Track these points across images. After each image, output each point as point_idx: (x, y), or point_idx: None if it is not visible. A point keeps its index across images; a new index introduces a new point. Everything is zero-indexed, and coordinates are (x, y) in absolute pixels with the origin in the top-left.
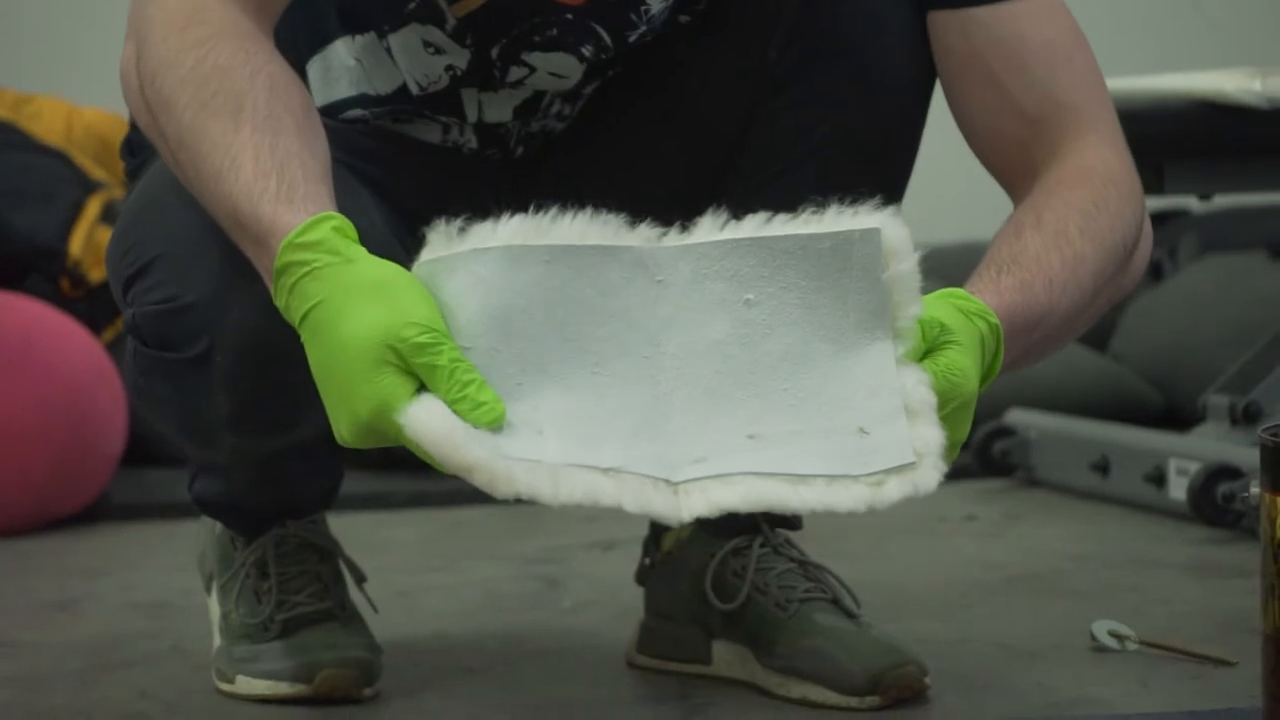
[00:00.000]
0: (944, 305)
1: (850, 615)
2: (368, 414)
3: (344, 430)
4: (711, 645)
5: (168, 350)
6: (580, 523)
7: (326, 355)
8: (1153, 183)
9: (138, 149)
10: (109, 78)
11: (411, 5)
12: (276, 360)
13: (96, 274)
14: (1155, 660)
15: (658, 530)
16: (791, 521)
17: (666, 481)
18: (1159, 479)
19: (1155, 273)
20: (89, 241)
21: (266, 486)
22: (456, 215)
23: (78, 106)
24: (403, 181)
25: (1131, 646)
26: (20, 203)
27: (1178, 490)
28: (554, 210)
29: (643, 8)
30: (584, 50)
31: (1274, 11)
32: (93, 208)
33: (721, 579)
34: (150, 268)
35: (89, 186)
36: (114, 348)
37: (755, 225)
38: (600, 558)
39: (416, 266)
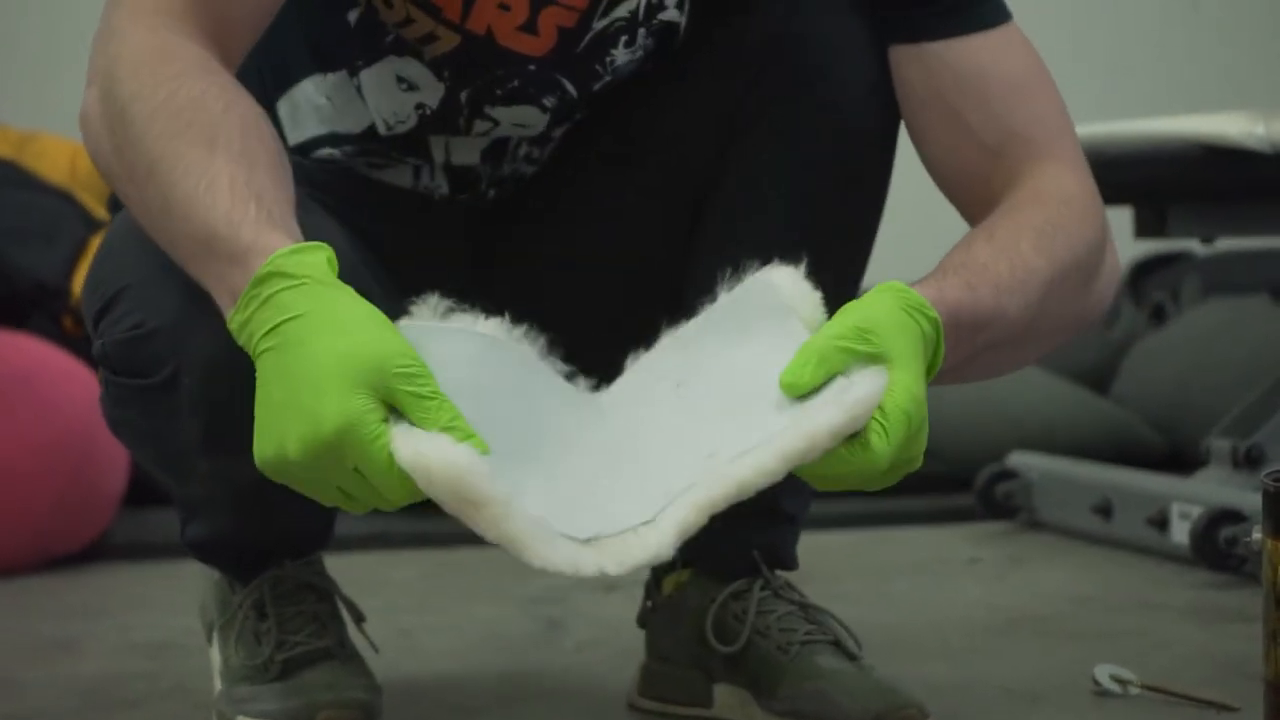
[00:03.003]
0: (884, 300)
1: (851, 657)
2: (333, 430)
3: (291, 446)
4: (713, 688)
5: (136, 377)
6: None
7: (295, 364)
8: (1155, 226)
9: (118, 203)
10: None
11: (389, 38)
12: (244, 380)
13: None
14: (1157, 704)
15: (659, 573)
16: (789, 561)
17: (643, 524)
18: (1161, 522)
19: (1158, 315)
20: None
21: (252, 522)
22: (428, 260)
23: (81, 145)
24: (375, 225)
25: (1134, 690)
26: (24, 241)
27: (1180, 534)
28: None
29: (607, 59)
30: (546, 101)
31: (1273, 11)
32: (95, 246)
33: (722, 622)
34: (118, 298)
35: (92, 225)
36: None
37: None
38: (602, 599)
39: (402, 325)
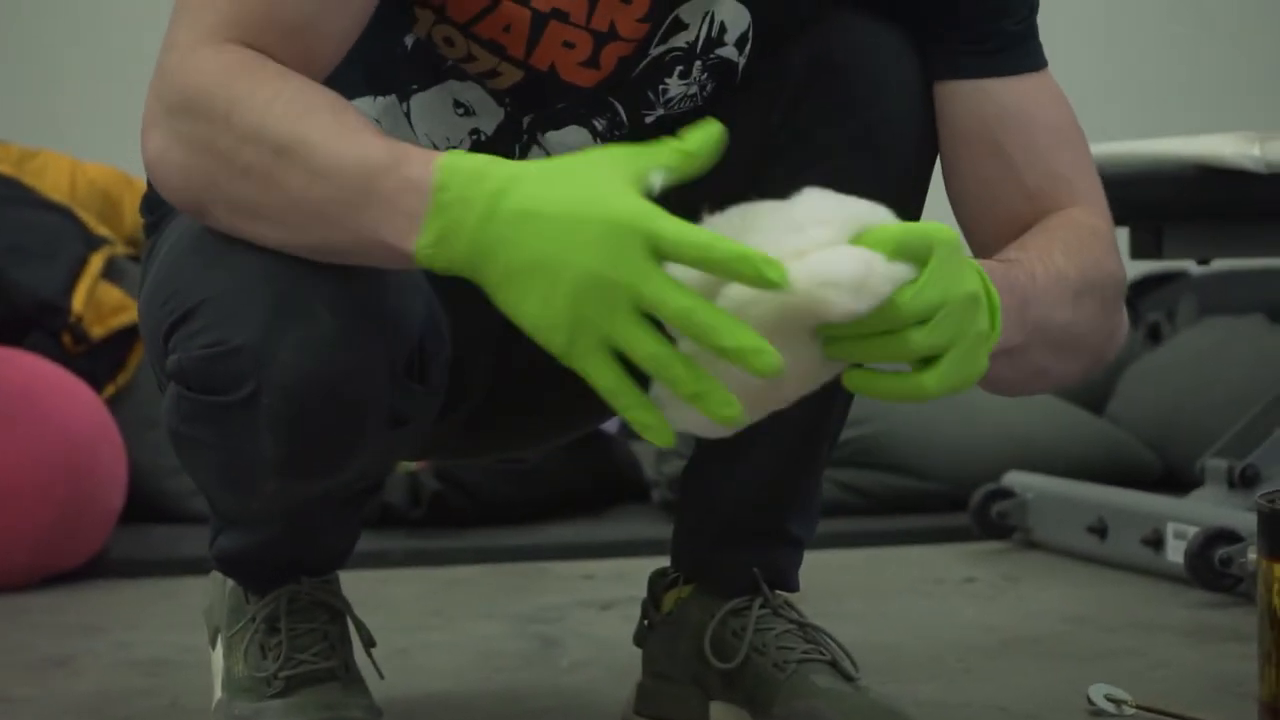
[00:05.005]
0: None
1: (848, 678)
2: (629, 213)
3: (570, 278)
4: (709, 706)
5: (213, 394)
6: (578, 581)
7: (568, 176)
8: (1151, 246)
9: (156, 205)
10: (113, 133)
11: (449, 63)
12: (325, 401)
13: (99, 330)
14: None
15: (656, 592)
16: (790, 583)
17: None
18: (1157, 542)
19: (1153, 335)
20: (91, 297)
21: (293, 540)
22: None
23: (82, 162)
24: None
25: (1129, 711)
26: (24, 259)
27: (1175, 554)
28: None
29: (660, 87)
30: (597, 124)
31: (1269, 33)
32: (95, 264)
33: (720, 639)
34: (195, 313)
35: (92, 243)
36: (115, 403)
37: None
38: (597, 617)
39: None
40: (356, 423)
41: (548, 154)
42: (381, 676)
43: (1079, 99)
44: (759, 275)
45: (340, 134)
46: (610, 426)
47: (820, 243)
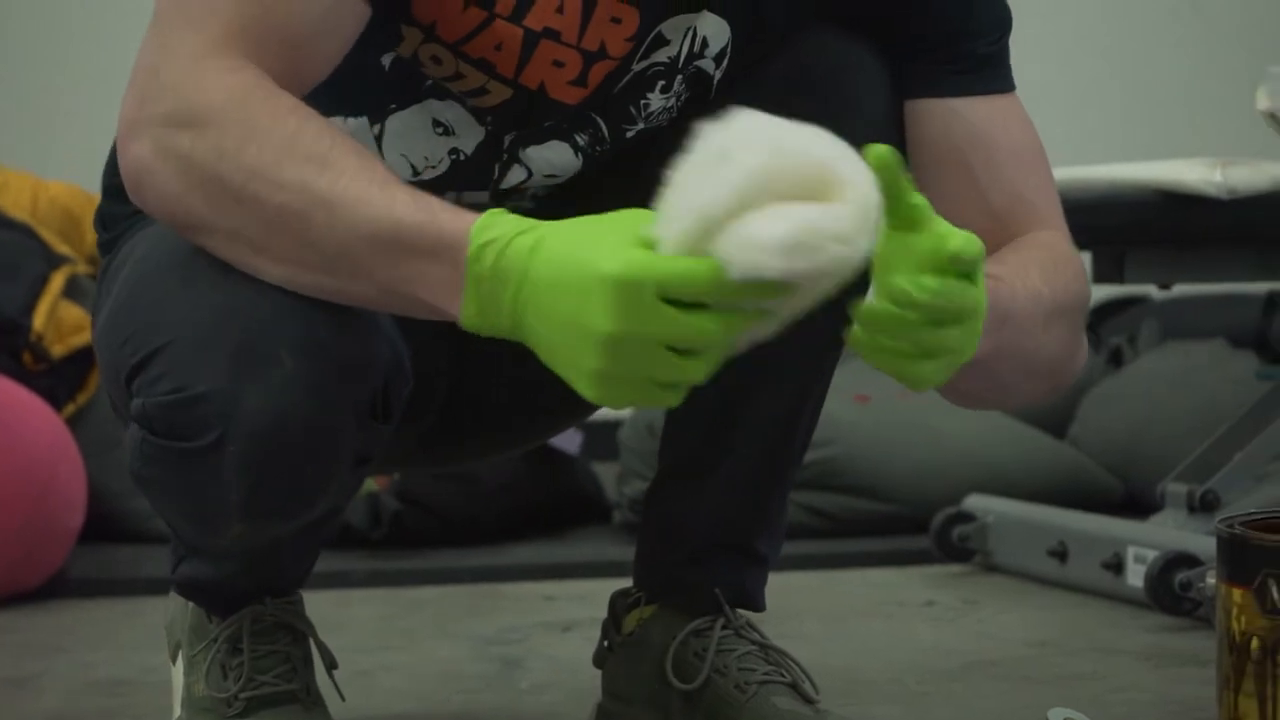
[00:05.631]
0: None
1: (808, 700)
2: (623, 265)
3: (601, 322)
4: None
5: (177, 440)
6: (538, 602)
7: (561, 267)
8: (1113, 271)
9: (111, 222)
10: (75, 151)
11: (428, 82)
12: (291, 447)
13: (59, 348)
14: None
15: (617, 612)
16: (757, 602)
17: None
18: (1117, 566)
19: (1115, 359)
20: (52, 316)
21: (258, 570)
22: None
23: (44, 180)
24: None
25: None
26: None
27: (1135, 578)
28: None
29: (642, 102)
30: (579, 139)
31: (1230, 59)
32: (57, 282)
33: (682, 660)
34: (156, 358)
35: (53, 261)
36: (75, 423)
37: None
38: (559, 638)
39: None
40: (323, 467)
41: (529, 170)
42: (343, 699)
43: (1041, 123)
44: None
45: (369, 184)
46: (572, 448)
47: (748, 169)
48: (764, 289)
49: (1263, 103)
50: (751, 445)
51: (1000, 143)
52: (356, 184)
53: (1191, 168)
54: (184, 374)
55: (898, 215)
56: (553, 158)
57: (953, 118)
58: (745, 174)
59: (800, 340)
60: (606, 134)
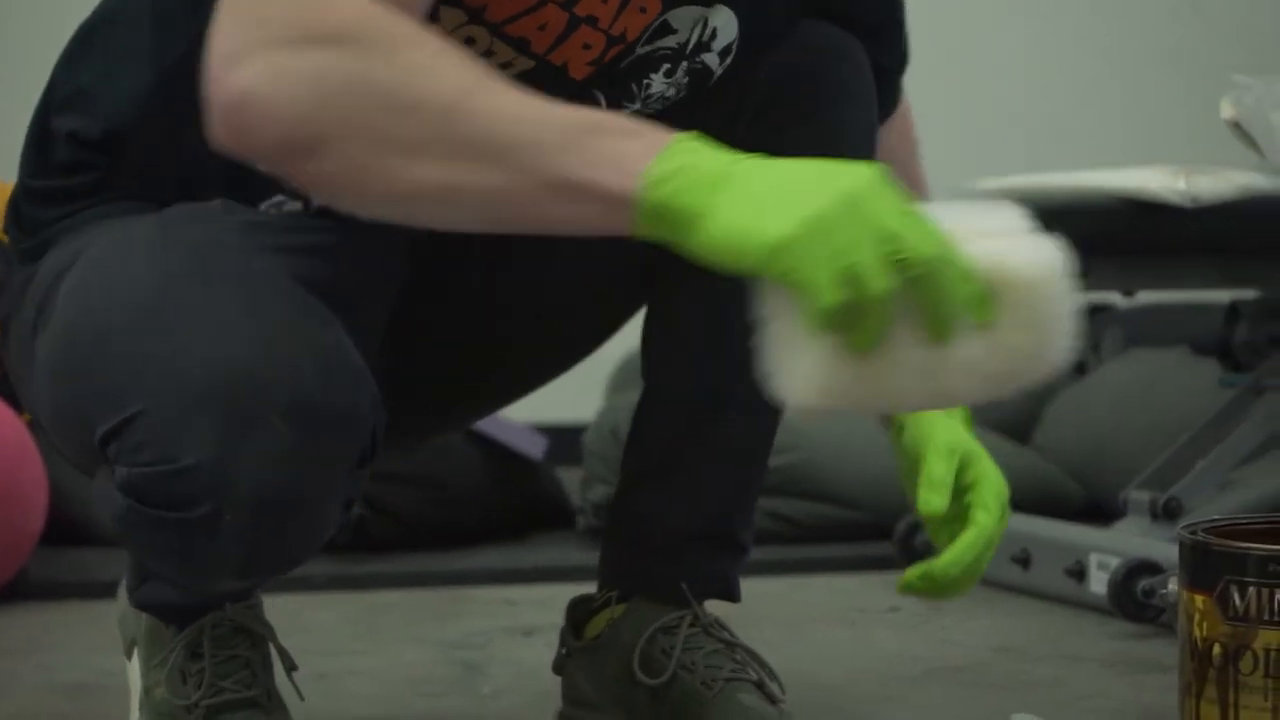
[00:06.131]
0: None
1: (773, 700)
2: (866, 179)
3: (799, 209)
4: None
5: (167, 510)
6: (501, 607)
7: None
8: (1078, 278)
9: (33, 227)
10: None
11: None
12: (288, 511)
13: None
14: None
15: (576, 618)
16: (736, 592)
17: None
18: (1079, 573)
19: (1079, 367)
20: None
21: (222, 594)
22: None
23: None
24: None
25: None
26: None
27: (1098, 584)
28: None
29: (645, 81)
30: None
31: (1193, 67)
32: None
33: (650, 657)
34: (135, 423)
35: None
36: (36, 426)
37: None
38: (521, 643)
39: None
40: (320, 523)
41: None
42: (302, 698)
43: (1007, 133)
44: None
45: (526, 93)
46: (536, 453)
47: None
48: (979, 299)
49: (1227, 112)
50: (735, 435)
51: (907, 142)
52: (514, 88)
53: (1156, 176)
54: (168, 443)
55: None
56: None
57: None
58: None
59: None
60: (604, 107)
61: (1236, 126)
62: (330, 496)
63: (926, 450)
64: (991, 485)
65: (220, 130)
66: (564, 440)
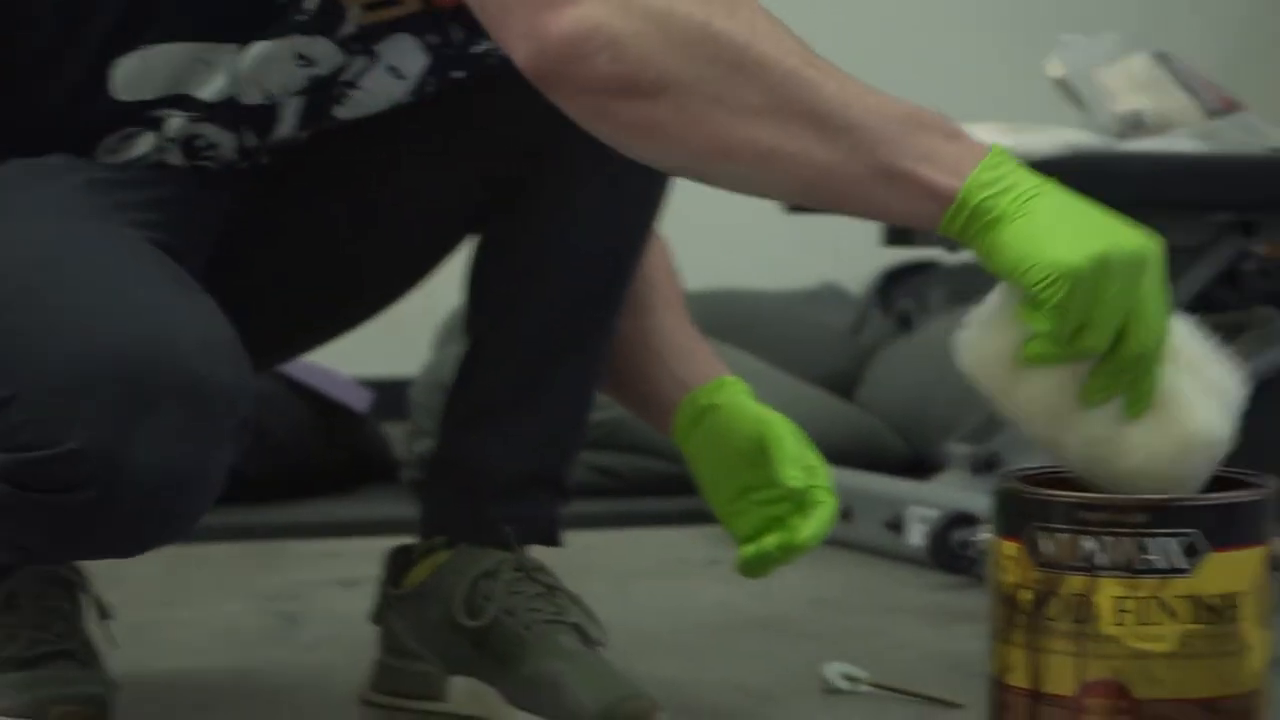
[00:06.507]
0: None
1: (593, 644)
2: (1148, 247)
3: (1099, 243)
4: (448, 682)
5: (47, 492)
6: (322, 559)
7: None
8: (903, 234)
9: None
10: None
11: (301, 17)
12: (179, 491)
13: None
14: (886, 702)
15: (396, 568)
16: (557, 536)
17: None
18: (899, 526)
19: (904, 323)
20: None
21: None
22: (203, 230)
23: None
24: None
25: (863, 688)
26: None
27: (917, 537)
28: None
29: None
30: (429, 38)
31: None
32: None
33: (472, 601)
34: (15, 402)
35: None
36: None
37: None
38: (341, 595)
39: None
40: (207, 496)
41: (385, 65)
42: (117, 646)
43: None
44: None
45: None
46: (360, 406)
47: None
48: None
49: (1054, 70)
50: (566, 377)
51: None
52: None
53: (985, 133)
54: (52, 425)
55: None
56: (404, 47)
57: None
58: None
59: (618, 272)
60: (460, 39)
61: (1063, 84)
62: (218, 468)
63: (769, 430)
64: (824, 470)
65: (542, 60)
66: (390, 395)
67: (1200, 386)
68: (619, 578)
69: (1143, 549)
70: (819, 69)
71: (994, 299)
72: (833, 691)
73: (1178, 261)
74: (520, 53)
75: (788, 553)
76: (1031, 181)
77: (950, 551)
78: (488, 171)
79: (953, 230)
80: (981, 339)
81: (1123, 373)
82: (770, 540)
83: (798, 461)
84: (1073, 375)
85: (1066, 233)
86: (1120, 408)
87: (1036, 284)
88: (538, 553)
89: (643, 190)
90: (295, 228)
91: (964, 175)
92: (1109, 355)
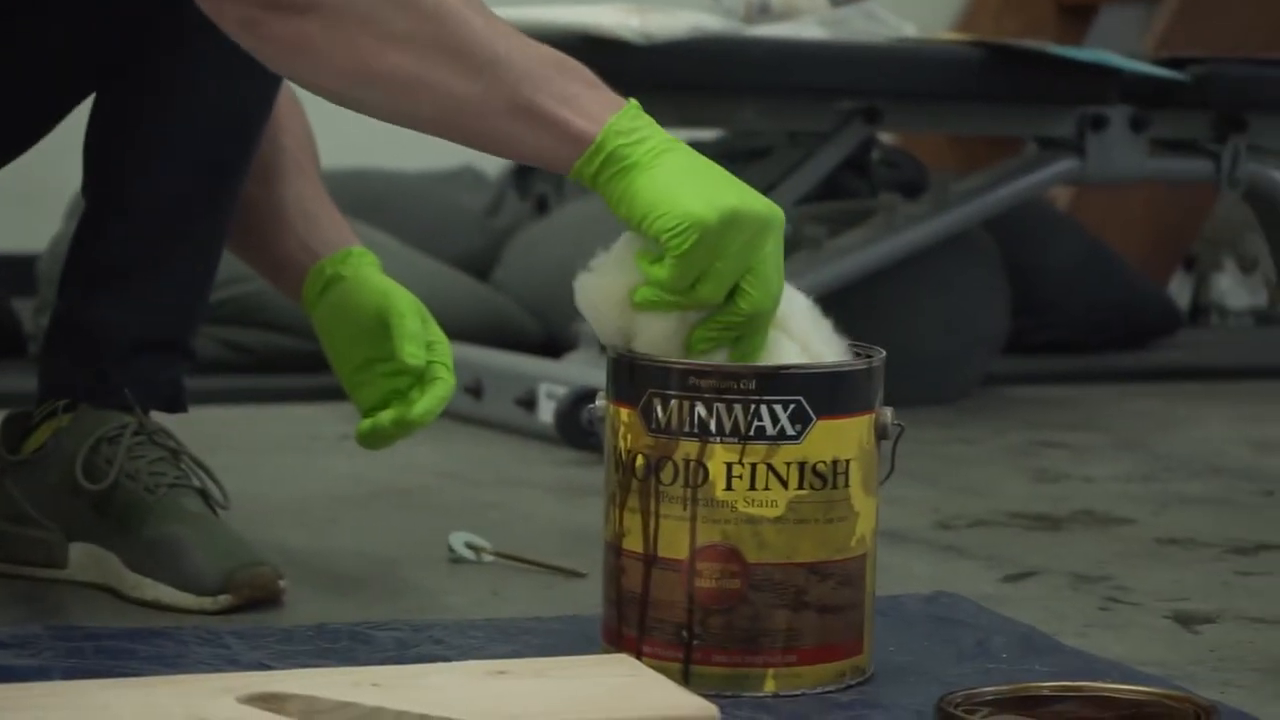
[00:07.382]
0: None
1: (216, 507)
2: (768, 209)
3: (729, 199)
4: (68, 549)
5: None
6: None
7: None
8: None
9: None
10: None
11: None
12: None
13: None
14: (509, 571)
15: (13, 434)
16: (183, 402)
17: None
18: (529, 403)
19: (541, 206)
20: None
21: None
22: None
23: None
24: None
25: (487, 558)
26: None
27: (547, 414)
28: None
29: None
30: None
31: None
32: None
33: (93, 465)
34: None
35: None
36: None
37: None
38: None
39: None
40: None
41: None
42: None
43: None
44: None
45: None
46: None
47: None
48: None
49: None
50: (193, 239)
51: None
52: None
53: (610, 13)
54: None
55: None
56: None
57: None
58: None
59: (241, 137)
60: None
61: None
62: None
63: (393, 305)
64: (447, 347)
65: None
66: (20, 269)
67: (804, 357)
68: (248, 451)
69: (753, 415)
70: (471, 6)
71: (618, 246)
72: (458, 561)
73: (805, 146)
74: None
75: (401, 427)
76: (665, 136)
77: (577, 427)
78: (103, 29)
79: (585, 174)
80: (599, 282)
81: (731, 328)
82: (386, 415)
83: (418, 338)
84: (682, 324)
85: (698, 186)
86: (723, 360)
87: (665, 232)
88: (164, 421)
89: None
90: None
91: (602, 121)
92: (722, 309)
